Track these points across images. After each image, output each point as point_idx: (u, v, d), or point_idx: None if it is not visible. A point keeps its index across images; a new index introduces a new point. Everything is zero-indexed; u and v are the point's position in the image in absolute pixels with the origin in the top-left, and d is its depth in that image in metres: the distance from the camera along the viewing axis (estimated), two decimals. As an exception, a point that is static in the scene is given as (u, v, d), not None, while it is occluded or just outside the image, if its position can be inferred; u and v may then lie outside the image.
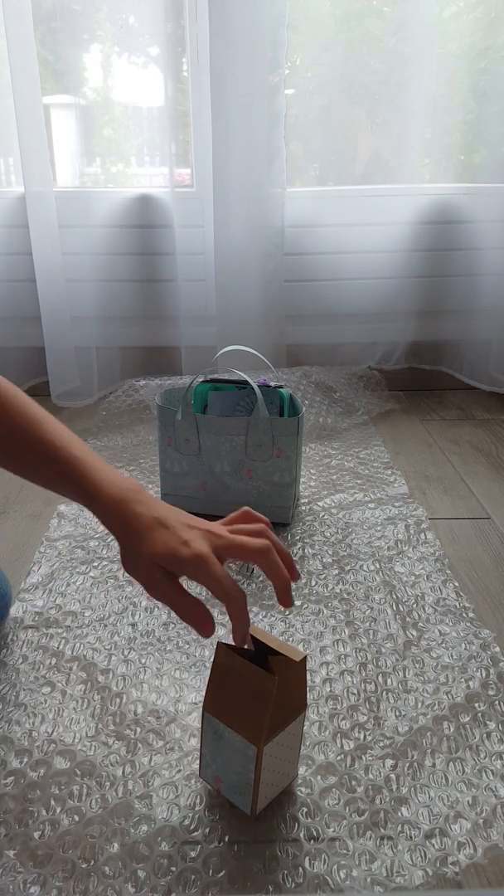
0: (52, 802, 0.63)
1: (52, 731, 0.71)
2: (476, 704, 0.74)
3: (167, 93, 1.47)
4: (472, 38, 1.48)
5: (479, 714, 0.73)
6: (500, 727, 0.72)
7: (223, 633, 0.86)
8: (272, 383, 1.11)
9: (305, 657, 0.59)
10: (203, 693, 0.72)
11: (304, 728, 0.71)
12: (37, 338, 1.62)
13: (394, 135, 1.59)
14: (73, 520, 1.13)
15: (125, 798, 0.64)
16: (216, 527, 0.60)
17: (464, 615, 0.89)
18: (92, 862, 0.58)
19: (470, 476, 1.30)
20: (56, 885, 0.56)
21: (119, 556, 1.04)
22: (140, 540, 0.57)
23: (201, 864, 0.58)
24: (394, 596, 0.93)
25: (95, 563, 1.01)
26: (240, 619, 0.56)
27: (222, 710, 0.59)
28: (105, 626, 0.87)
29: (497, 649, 0.83)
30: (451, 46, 1.49)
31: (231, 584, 0.56)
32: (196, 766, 0.67)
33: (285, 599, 0.59)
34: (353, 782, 0.65)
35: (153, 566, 0.57)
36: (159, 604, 0.91)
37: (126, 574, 0.98)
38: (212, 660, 0.67)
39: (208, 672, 0.73)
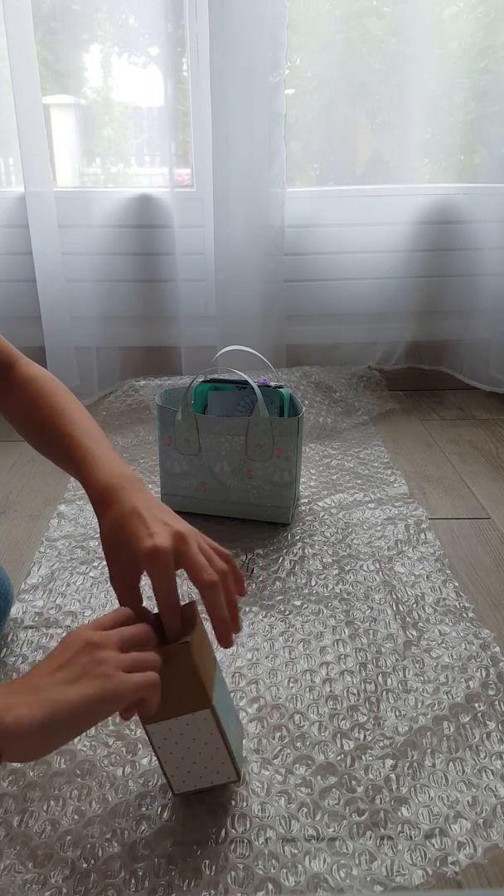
0: (52, 802, 0.63)
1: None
2: (476, 704, 0.74)
3: (167, 93, 1.47)
4: (472, 38, 1.48)
5: (479, 714, 0.73)
6: (500, 727, 0.72)
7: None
8: (272, 383, 1.11)
9: (187, 643, 0.54)
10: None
11: (304, 728, 0.71)
12: (37, 338, 1.62)
13: (394, 135, 1.59)
14: (73, 520, 1.13)
15: (125, 798, 0.64)
16: (193, 533, 0.58)
17: (464, 615, 0.89)
18: (92, 862, 0.58)
19: (470, 476, 1.30)
20: (56, 885, 0.56)
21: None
22: (113, 526, 0.58)
23: (201, 864, 0.58)
24: (394, 596, 0.93)
25: (95, 563, 1.01)
26: (169, 628, 0.56)
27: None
28: (105, 626, 0.87)
29: (497, 649, 0.83)
30: (451, 46, 1.49)
31: (175, 592, 0.55)
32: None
33: (224, 640, 0.57)
34: (353, 782, 0.65)
35: (118, 555, 0.58)
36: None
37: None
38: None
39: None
